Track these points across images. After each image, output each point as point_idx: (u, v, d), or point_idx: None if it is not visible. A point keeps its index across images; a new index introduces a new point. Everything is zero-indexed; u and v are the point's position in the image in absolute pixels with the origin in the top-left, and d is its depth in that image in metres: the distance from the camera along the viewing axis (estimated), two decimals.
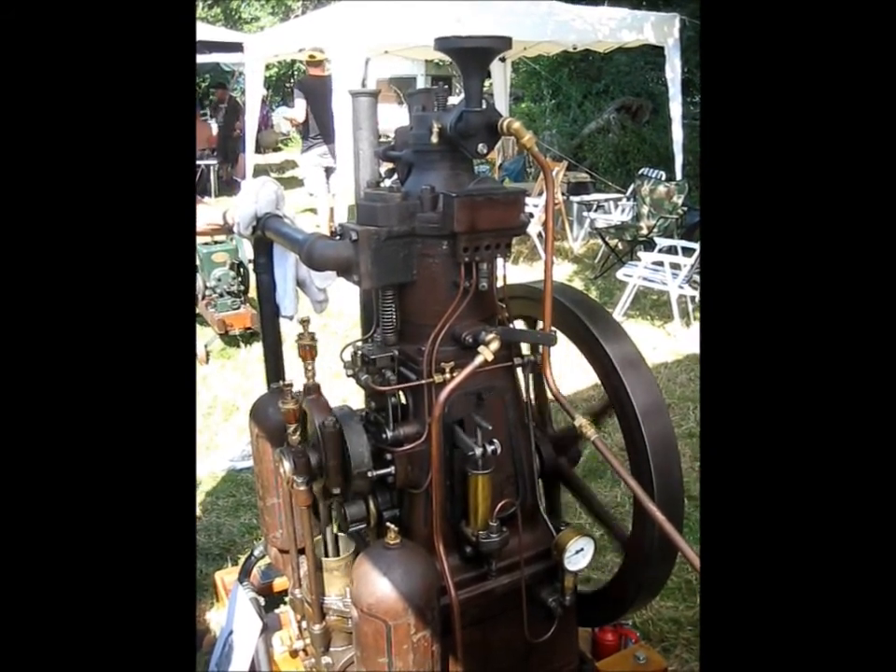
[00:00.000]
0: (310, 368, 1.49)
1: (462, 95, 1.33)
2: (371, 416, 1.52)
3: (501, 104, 9.55)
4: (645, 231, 6.98)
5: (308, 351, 1.49)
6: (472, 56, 1.31)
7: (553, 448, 1.71)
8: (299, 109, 7.58)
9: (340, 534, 1.66)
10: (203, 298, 5.30)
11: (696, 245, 5.45)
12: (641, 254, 6.01)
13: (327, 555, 1.62)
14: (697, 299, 5.48)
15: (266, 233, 1.73)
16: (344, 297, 3.91)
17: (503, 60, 9.85)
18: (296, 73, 21.24)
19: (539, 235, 7.56)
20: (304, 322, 1.50)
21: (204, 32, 12.68)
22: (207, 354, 5.09)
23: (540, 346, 1.53)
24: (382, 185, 1.49)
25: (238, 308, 5.29)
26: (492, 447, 1.37)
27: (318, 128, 7.51)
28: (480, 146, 1.34)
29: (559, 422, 1.97)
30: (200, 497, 3.33)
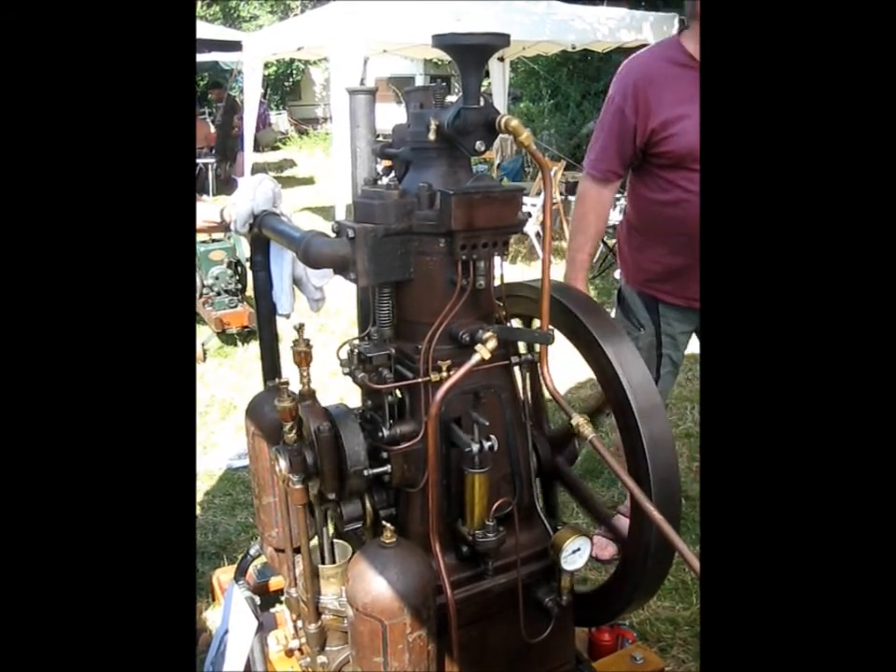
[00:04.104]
0: (305, 374, 1.47)
1: (460, 94, 1.33)
2: (367, 415, 1.51)
3: (500, 103, 9.56)
4: None
5: (303, 357, 1.46)
6: (470, 53, 1.30)
7: (550, 447, 1.71)
8: None
9: (336, 540, 1.65)
10: (201, 296, 5.29)
11: None
12: None
13: (323, 562, 1.61)
14: None
15: (263, 231, 1.72)
16: (341, 295, 3.91)
17: (502, 59, 9.87)
18: (294, 72, 21.28)
19: (538, 234, 7.55)
20: (299, 328, 1.47)
21: (203, 30, 12.68)
22: (204, 352, 5.09)
23: (538, 345, 1.53)
24: (379, 182, 1.48)
25: (235, 306, 5.29)
26: (489, 443, 1.37)
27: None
28: (477, 143, 1.33)
29: (556, 422, 1.97)
30: (197, 495, 3.33)
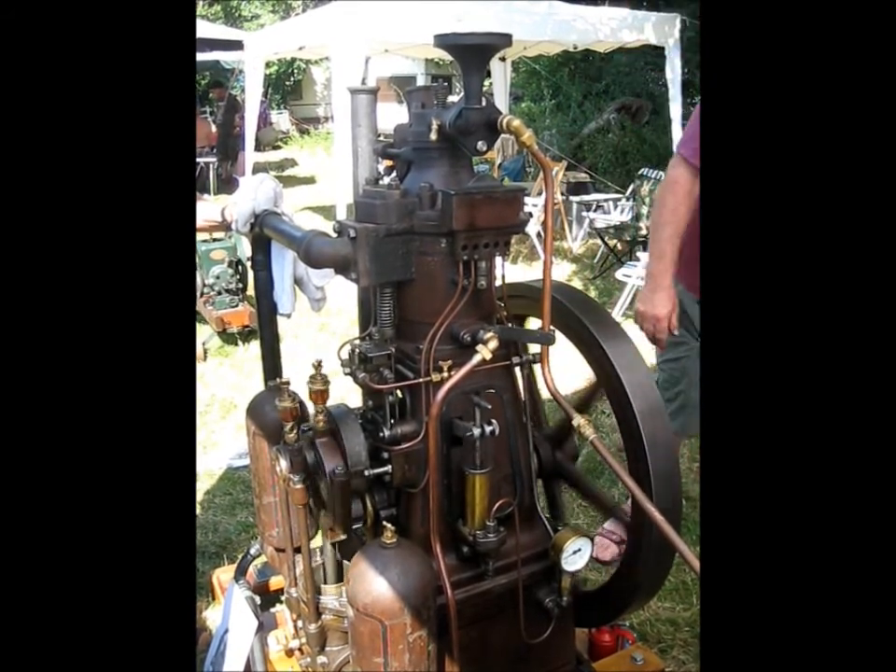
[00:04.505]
0: (321, 411, 1.44)
1: (461, 94, 1.33)
2: (368, 415, 1.51)
3: (501, 103, 9.55)
4: (644, 232, 6.97)
5: (320, 395, 1.43)
6: (472, 53, 1.30)
7: (550, 444, 1.70)
8: None
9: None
10: (202, 295, 5.30)
11: None
12: (640, 254, 6.01)
13: (325, 582, 1.61)
14: None
15: (264, 230, 1.72)
16: (342, 295, 3.92)
17: (503, 59, 9.86)
18: (295, 71, 21.29)
19: (539, 235, 7.56)
20: (317, 365, 1.44)
21: (205, 29, 12.69)
22: (205, 351, 5.09)
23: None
24: (380, 182, 1.48)
25: (236, 306, 5.29)
26: (490, 427, 1.37)
27: None
28: (479, 143, 1.33)
29: (555, 421, 1.96)
30: (197, 495, 3.33)
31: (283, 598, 1.87)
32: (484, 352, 1.34)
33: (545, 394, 1.59)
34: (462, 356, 1.37)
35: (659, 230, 2.37)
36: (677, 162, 2.32)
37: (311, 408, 1.47)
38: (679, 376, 2.66)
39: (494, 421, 1.38)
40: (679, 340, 2.63)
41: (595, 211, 8.21)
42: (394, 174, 1.51)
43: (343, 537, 1.46)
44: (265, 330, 1.93)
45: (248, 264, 2.45)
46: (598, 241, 7.56)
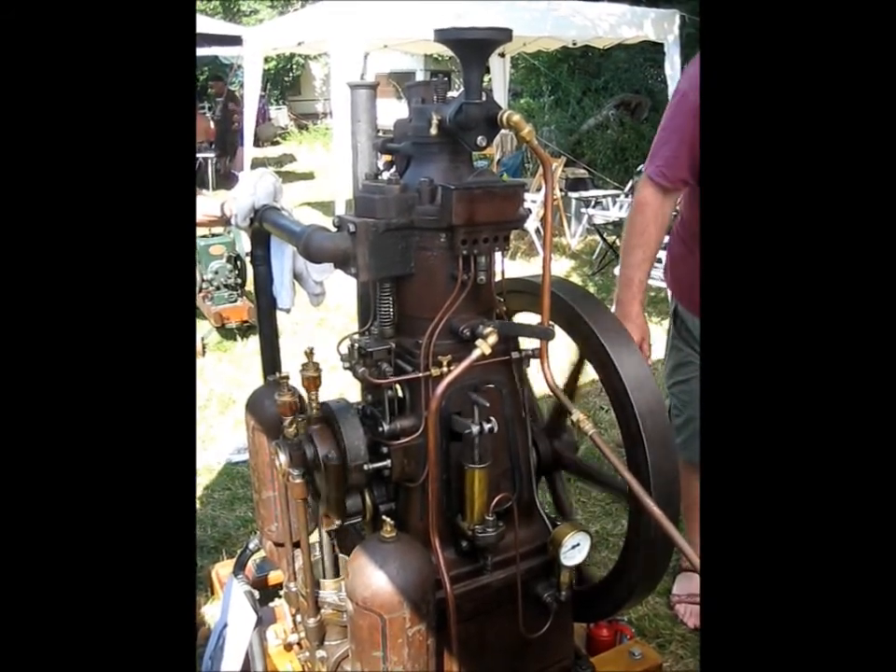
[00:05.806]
0: (314, 398, 1.45)
1: (461, 90, 1.33)
2: (367, 409, 1.51)
3: (500, 99, 9.54)
4: None
5: (312, 382, 1.45)
6: (472, 48, 1.30)
7: (547, 436, 1.70)
8: None
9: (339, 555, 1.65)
10: (200, 291, 5.28)
11: None
12: None
13: (324, 577, 1.62)
14: None
15: (264, 225, 1.72)
16: (341, 290, 3.92)
17: (502, 55, 9.85)
18: (294, 66, 21.26)
19: (537, 231, 7.56)
20: (309, 353, 1.46)
21: (203, 25, 12.62)
22: (204, 347, 5.08)
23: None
24: (380, 177, 1.48)
25: (235, 301, 5.28)
26: (489, 425, 1.37)
27: None
28: (479, 138, 1.33)
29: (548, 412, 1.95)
30: (196, 490, 3.33)
31: (282, 593, 1.88)
32: (484, 347, 1.34)
33: (546, 389, 1.59)
34: (461, 350, 1.37)
35: (628, 254, 2.20)
36: (643, 183, 2.20)
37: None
38: (687, 400, 2.48)
39: (492, 419, 1.38)
40: (684, 360, 2.51)
41: (593, 207, 8.20)
42: (393, 169, 1.50)
43: (338, 523, 1.45)
44: (264, 325, 1.93)
45: (247, 259, 2.46)
46: (597, 237, 7.55)
